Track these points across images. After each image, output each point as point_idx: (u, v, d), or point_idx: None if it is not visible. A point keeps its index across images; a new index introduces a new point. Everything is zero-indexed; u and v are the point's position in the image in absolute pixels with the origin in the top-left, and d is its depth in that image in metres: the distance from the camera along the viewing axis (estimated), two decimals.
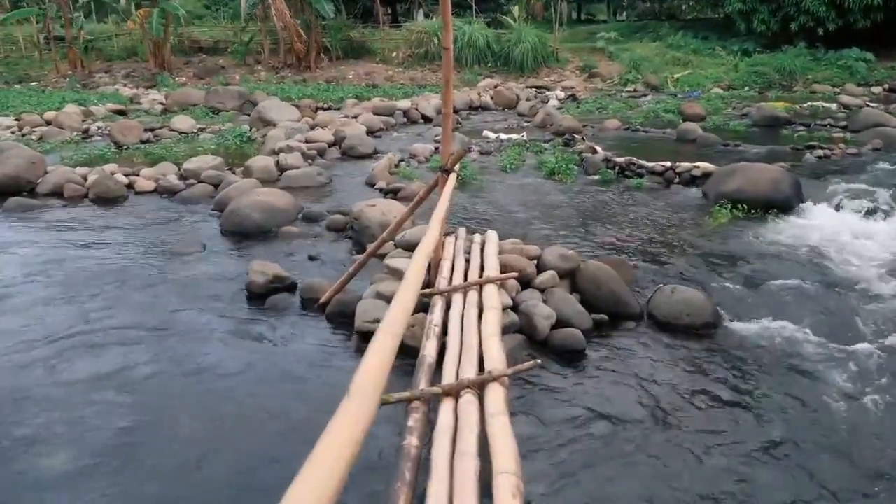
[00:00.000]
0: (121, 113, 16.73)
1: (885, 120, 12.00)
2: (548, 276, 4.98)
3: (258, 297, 5.61)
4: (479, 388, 2.82)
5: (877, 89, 18.33)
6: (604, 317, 4.92)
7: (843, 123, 12.84)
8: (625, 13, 38.88)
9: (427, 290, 4.17)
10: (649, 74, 21.14)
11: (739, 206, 7.59)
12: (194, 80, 23.52)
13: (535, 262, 5.24)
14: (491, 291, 3.95)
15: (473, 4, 26.32)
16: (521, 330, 4.61)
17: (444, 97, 4.42)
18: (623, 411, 3.94)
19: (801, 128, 12.77)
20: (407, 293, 2.35)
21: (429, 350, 3.32)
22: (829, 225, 7.21)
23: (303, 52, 23.87)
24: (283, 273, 5.78)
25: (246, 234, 7.36)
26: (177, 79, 23.40)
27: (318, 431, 1.33)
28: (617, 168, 9.81)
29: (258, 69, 24.60)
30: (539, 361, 2.93)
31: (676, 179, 9.23)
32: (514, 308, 4.69)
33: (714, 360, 4.52)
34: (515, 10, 24.16)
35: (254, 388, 4.29)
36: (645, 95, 19.28)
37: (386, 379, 1.70)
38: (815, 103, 15.57)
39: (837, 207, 7.76)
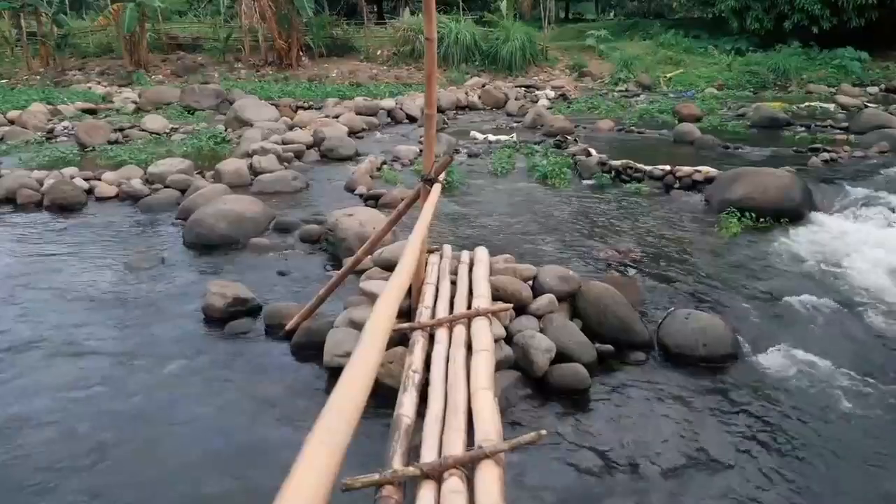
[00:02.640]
0: (91, 112, 15.94)
1: (889, 121, 11.50)
2: (545, 300, 4.37)
3: (217, 321, 4.95)
4: (469, 466, 2.20)
5: (873, 89, 17.91)
6: (609, 347, 4.31)
7: (844, 125, 12.35)
8: (612, 12, 38.37)
9: (406, 325, 3.54)
10: (641, 73, 20.63)
11: (747, 214, 7.02)
12: (172, 77, 22.72)
13: (531, 282, 4.62)
14: (481, 327, 3.32)
15: (461, 2, 25.69)
16: (516, 365, 3.99)
17: (428, 95, 3.80)
18: (636, 465, 3.34)
19: (801, 129, 12.29)
20: (376, 333, 1.78)
21: (406, 408, 2.69)
22: (845, 235, 6.65)
23: (284, 50, 23.13)
24: (246, 294, 5.13)
25: (210, 247, 6.68)
26: (153, 77, 22.60)
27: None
28: (613, 172, 9.23)
29: (238, 67, 23.82)
30: (544, 433, 2.31)
31: (677, 184, 8.66)
32: (508, 339, 4.07)
33: (736, 401, 3.92)
34: (503, 6, 23.52)
35: (200, 435, 3.65)
36: (637, 95, 18.75)
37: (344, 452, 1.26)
38: (812, 104, 15.11)
39: (852, 216, 7.23)
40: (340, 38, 25.36)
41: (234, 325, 4.84)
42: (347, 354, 4.17)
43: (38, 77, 22.61)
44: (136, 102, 17.29)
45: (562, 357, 4.07)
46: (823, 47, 20.54)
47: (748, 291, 5.31)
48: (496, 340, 3.79)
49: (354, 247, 6.04)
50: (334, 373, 4.10)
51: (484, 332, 3.23)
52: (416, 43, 22.62)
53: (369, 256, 4.79)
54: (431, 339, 3.58)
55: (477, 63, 22.71)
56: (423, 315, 3.70)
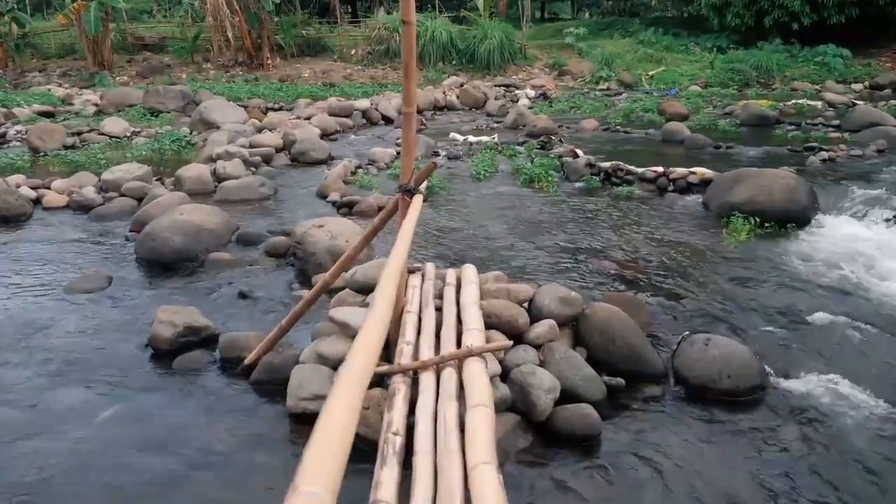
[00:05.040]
0: (48, 115, 15.05)
1: (883, 118, 11.09)
2: (545, 327, 3.77)
3: (165, 354, 4.29)
4: None
5: (857, 86, 17.62)
6: (619, 381, 3.73)
7: (835, 122, 11.94)
8: (588, 12, 37.97)
9: (384, 368, 2.92)
10: (622, 72, 20.18)
11: (751, 219, 6.50)
12: (137, 79, 21.78)
13: (527, 304, 4.03)
14: (476, 372, 2.70)
15: (436, 0, 25.09)
16: (513, 407, 3.38)
17: (406, 90, 3.18)
18: None
19: (792, 127, 11.84)
20: (351, 384, 1.32)
21: (385, 490, 2.06)
22: (857, 241, 6.16)
23: (254, 50, 22.34)
24: (200, 321, 4.46)
25: (164, 264, 6.00)
26: (118, 78, 21.64)
27: None
28: (602, 174, 8.68)
29: (207, 68, 22.95)
30: None
31: (671, 187, 8.13)
32: (504, 375, 3.47)
33: (770, 442, 3.35)
34: (480, 4, 22.94)
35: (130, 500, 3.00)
36: (619, 93, 18.27)
37: None
38: (798, 101, 14.71)
39: (860, 219, 6.75)
40: (313, 37, 24.60)
41: (185, 360, 4.17)
42: (313, 397, 3.55)
43: None
44: (97, 105, 16.43)
45: (566, 395, 3.48)
46: (805, 44, 20.26)
47: (766, 308, 4.76)
48: (490, 378, 3.19)
49: (324, 262, 5.43)
50: (298, 419, 3.49)
51: (480, 380, 2.62)
52: (392, 42, 21.96)
53: (344, 273, 4.17)
54: (415, 382, 2.98)
55: (454, 62, 22.12)
56: (403, 354, 3.08)
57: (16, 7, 23.09)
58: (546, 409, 3.33)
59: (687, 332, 4.14)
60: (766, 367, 3.88)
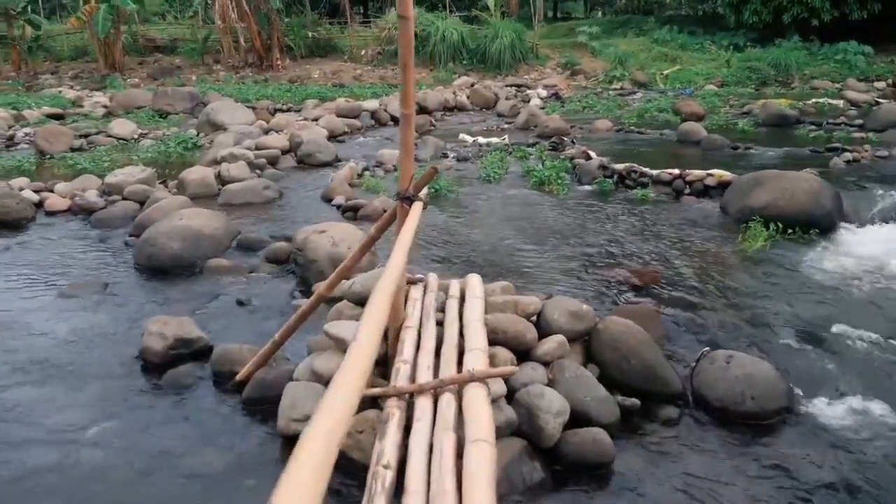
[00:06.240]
0: (57, 117, 14.96)
1: None
2: (554, 343, 3.53)
3: (156, 368, 4.09)
4: None
5: (880, 84, 17.15)
6: (634, 401, 3.47)
7: (858, 122, 11.59)
8: (600, 10, 37.56)
9: (377, 390, 2.69)
10: (636, 71, 19.84)
11: (772, 224, 6.21)
12: (148, 81, 21.71)
13: (535, 318, 3.78)
14: (477, 401, 2.45)
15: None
16: (519, 431, 3.14)
17: (404, 90, 2.95)
18: None
19: (813, 127, 11.50)
20: (339, 398, 1.25)
21: None
22: (887, 247, 5.85)
23: (263, 51, 22.22)
24: (192, 333, 4.26)
25: (162, 270, 5.81)
26: (128, 80, 21.60)
27: None
28: (616, 177, 8.41)
29: (217, 69, 22.85)
30: None
31: (687, 190, 7.85)
32: (510, 395, 3.23)
33: (800, 472, 3.09)
34: (491, 4, 22.66)
35: None
36: (633, 93, 17.95)
37: None
38: (819, 100, 14.35)
39: (889, 224, 6.45)
40: (323, 38, 24.45)
41: (176, 374, 3.97)
42: (305, 419, 3.34)
43: (9, 81, 21.60)
44: (106, 107, 16.35)
45: (577, 418, 3.24)
46: (824, 41, 19.81)
47: (790, 322, 4.49)
48: (494, 400, 2.95)
49: (326, 269, 5.21)
50: (290, 442, 3.25)
51: (481, 410, 2.38)
52: None
53: (345, 281, 3.95)
54: (410, 406, 2.75)
55: (465, 62, 21.87)
56: (400, 374, 2.85)
57: (29, 9, 23.15)
58: (554, 434, 3.09)
59: (706, 349, 3.88)
60: (792, 387, 3.61)
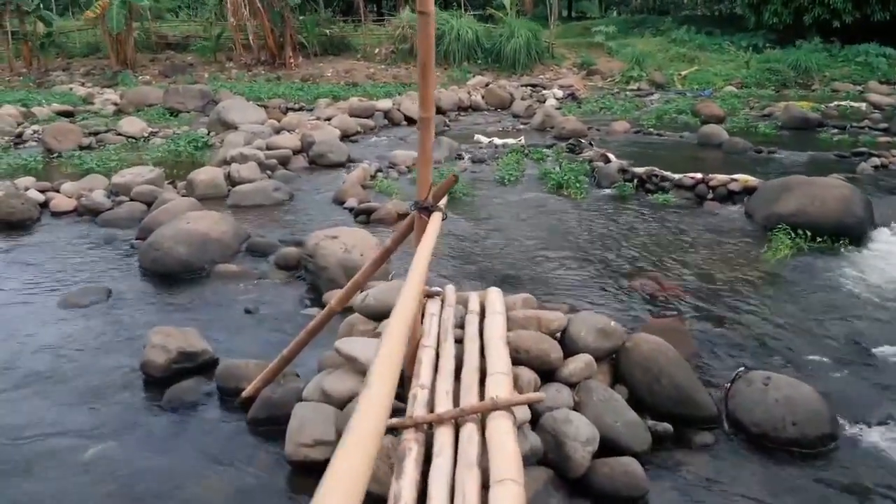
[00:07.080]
0: (67, 115, 14.85)
1: None
2: (581, 363, 3.30)
3: (158, 382, 3.89)
4: None
5: None
6: (667, 426, 3.24)
7: (883, 125, 11.29)
8: (616, 10, 37.18)
9: (395, 421, 2.47)
10: (653, 71, 19.53)
11: (800, 232, 5.94)
12: (160, 78, 21.61)
13: (559, 334, 3.56)
14: (502, 431, 2.23)
15: None
16: (544, 459, 2.92)
17: (422, 92, 2.73)
18: None
19: (836, 130, 11.22)
20: (362, 434, 1.11)
21: None
22: None
23: (276, 49, 22.06)
24: (196, 345, 4.06)
25: (168, 275, 5.63)
26: (140, 77, 21.50)
27: None
28: (636, 180, 8.15)
29: (230, 67, 22.72)
30: None
31: (710, 195, 7.58)
32: (533, 421, 3.00)
33: (843, 503, 2.86)
34: (507, 2, 22.39)
35: None
36: (651, 94, 17.65)
37: None
38: (841, 103, 14.02)
39: None
40: (336, 36, 24.27)
41: (178, 390, 3.76)
42: (315, 444, 3.10)
43: (21, 78, 21.56)
44: (116, 104, 16.23)
45: (606, 444, 3.01)
46: (846, 43, 19.43)
47: (827, 338, 4.23)
48: (518, 427, 2.73)
49: (337, 277, 5.02)
50: (298, 468, 3.05)
51: (506, 444, 2.16)
52: (416, 41, 21.52)
53: (360, 292, 3.73)
54: (429, 436, 2.53)
55: (479, 61, 21.63)
56: (417, 400, 2.63)
57: (41, 6, 23.11)
58: (583, 464, 2.86)
59: (742, 368, 3.64)
60: (835, 412, 3.37)
